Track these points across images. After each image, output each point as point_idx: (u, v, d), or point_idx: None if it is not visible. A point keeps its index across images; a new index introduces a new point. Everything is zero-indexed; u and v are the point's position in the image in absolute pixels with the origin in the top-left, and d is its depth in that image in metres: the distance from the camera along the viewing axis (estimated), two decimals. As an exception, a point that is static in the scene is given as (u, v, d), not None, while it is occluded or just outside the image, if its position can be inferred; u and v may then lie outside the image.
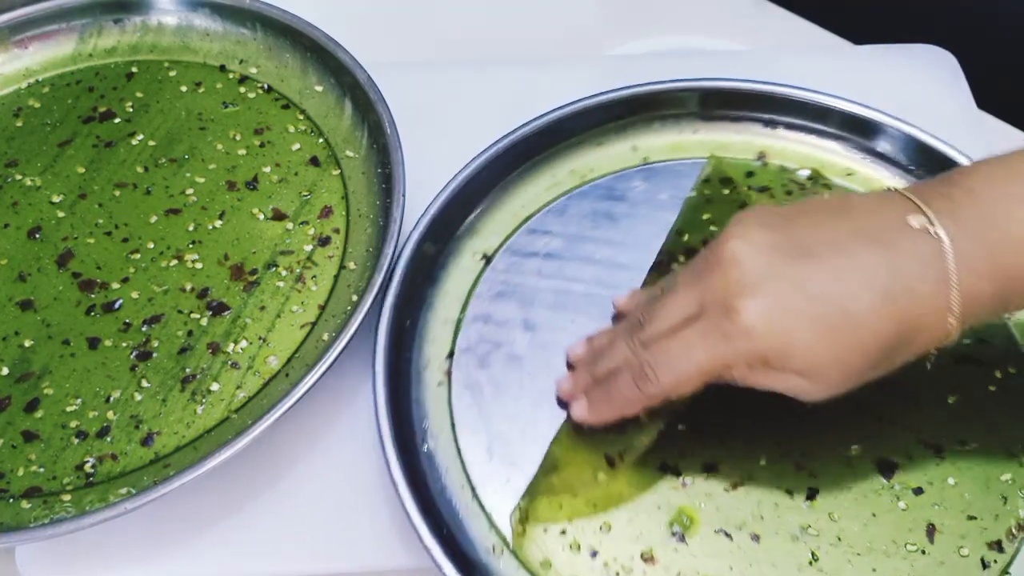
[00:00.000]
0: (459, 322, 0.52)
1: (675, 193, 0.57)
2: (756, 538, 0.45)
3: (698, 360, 0.41)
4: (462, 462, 0.48)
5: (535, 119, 0.57)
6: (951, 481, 0.46)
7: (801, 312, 0.38)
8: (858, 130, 0.58)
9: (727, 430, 0.47)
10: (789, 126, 0.59)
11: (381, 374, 0.48)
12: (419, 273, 0.53)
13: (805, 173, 0.58)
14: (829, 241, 0.39)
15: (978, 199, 0.38)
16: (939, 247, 0.38)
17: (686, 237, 0.55)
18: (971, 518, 0.45)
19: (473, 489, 0.47)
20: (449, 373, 0.51)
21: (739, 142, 0.59)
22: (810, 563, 0.44)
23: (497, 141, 0.56)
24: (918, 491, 0.46)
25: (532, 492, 0.47)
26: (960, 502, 0.45)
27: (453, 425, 0.49)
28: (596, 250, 0.55)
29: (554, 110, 0.57)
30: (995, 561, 0.44)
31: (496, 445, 0.48)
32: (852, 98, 0.58)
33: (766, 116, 0.59)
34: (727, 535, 0.45)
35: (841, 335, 0.38)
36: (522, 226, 0.56)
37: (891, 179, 0.57)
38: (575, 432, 0.48)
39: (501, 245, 0.55)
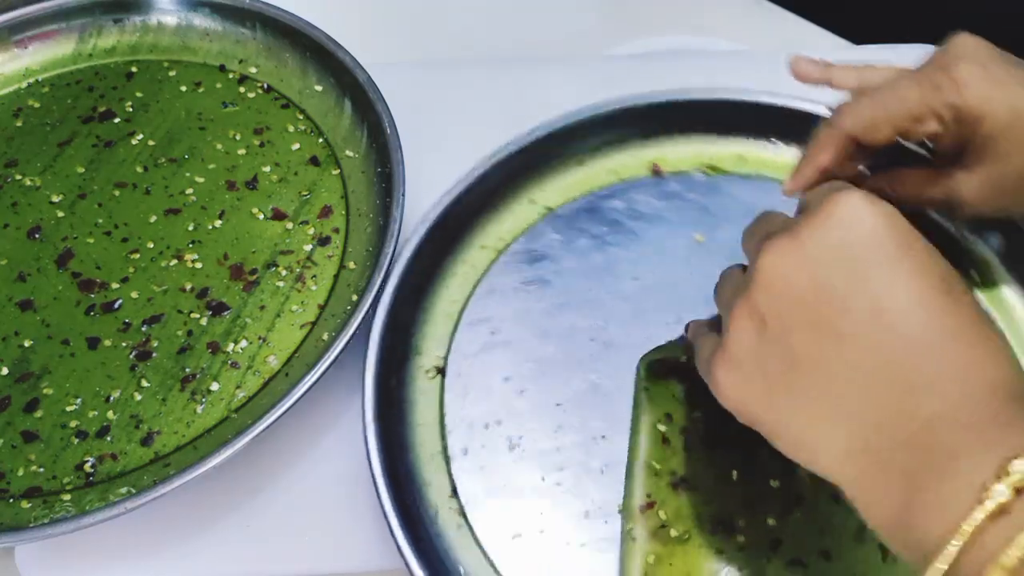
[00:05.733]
0: (446, 452, 0.48)
1: (592, 234, 0.55)
2: (827, 555, 0.44)
3: (904, 95, 0.44)
4: None
5: (429, 214, 0.53)
6: None
7: (1006, 89, 0.44)
8: (730, 116, 0.58)
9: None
10: (668, 131, 0.58)
11: (412, 558, 0.43)
12: (385, 414, 0.48)
13: (701, 176, 0.57)
14: None
15: None
16: None
17: None
18: None
19: None
20: (463, 512, 0.47)
21: (630, 162, 0.58)
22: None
23: (401, 250, 0.52)
24: None
25: None
26: None
27: (493, 565, 0.45)
28: (546, 321, 0.52)
29: (444, 195, 0.54)
30: None
31: (546, 569, 0.45)
32: (707, 87, 0.58)
33: (644, 128, 0.58)
34: (801, 563, 0.44)
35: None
36: (460, 323, 0.52)
37: (780, 154, 0.57)
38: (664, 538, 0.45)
39: (448, 352, 0.51)
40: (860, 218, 0.34)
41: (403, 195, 0.53)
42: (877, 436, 0.33)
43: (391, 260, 0.51)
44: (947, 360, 0.32)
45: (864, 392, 0.33)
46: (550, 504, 0.47)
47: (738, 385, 0.37)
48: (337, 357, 0.48)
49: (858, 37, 0.71)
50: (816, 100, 0.56)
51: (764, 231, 0.38)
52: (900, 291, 0.33)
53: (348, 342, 0.48)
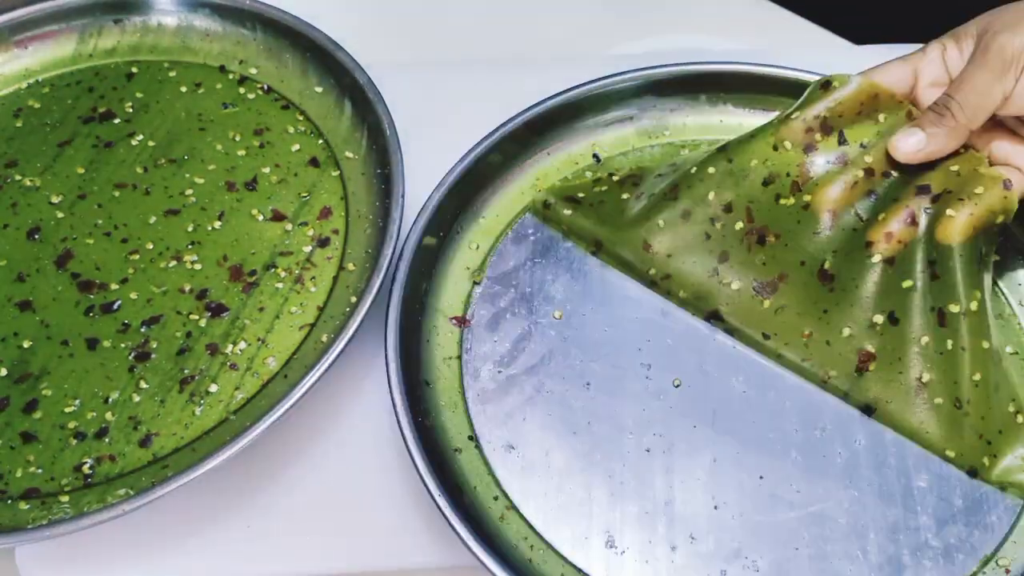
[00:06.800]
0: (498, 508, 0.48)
1: (558, 261, 0.56)
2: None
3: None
4: None
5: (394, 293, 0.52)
6: None
7: None
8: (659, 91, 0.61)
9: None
10: (607, 122, 0.61)
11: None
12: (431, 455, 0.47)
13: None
14: None
15: None
16: None
17: None
18: None
19: None
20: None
21: (575, 152, 0.60)
22: None
23: (384, 319, 0.50)
24: None
25: None
26: None
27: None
28: (544, 346, 0.52)
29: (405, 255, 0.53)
30: None
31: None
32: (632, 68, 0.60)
33: (578, 123, 0.60)
34: None
35: None
36: (463, 367, 0.52)
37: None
38: None
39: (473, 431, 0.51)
40: None
41: (403, 196, 0.53)
42: None
43: (390, 262, 0.51)
44: None
45: None
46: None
47: None
48: (336, 359, 0.48)
49: (858, 37, 0.71)
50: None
51: None
52: None
53: (347, 344, 0.48)
